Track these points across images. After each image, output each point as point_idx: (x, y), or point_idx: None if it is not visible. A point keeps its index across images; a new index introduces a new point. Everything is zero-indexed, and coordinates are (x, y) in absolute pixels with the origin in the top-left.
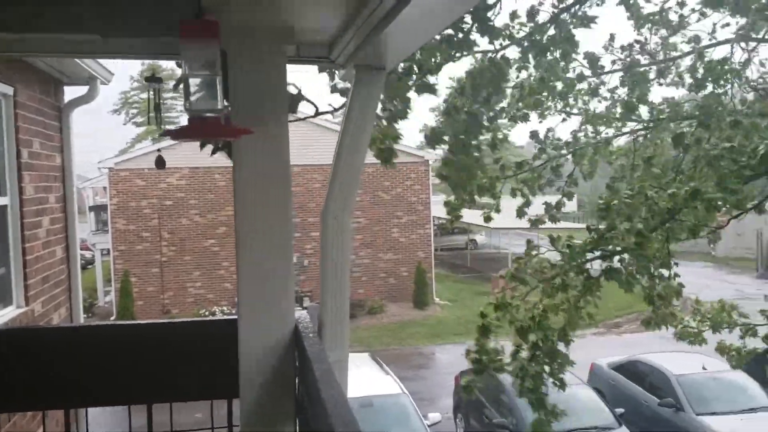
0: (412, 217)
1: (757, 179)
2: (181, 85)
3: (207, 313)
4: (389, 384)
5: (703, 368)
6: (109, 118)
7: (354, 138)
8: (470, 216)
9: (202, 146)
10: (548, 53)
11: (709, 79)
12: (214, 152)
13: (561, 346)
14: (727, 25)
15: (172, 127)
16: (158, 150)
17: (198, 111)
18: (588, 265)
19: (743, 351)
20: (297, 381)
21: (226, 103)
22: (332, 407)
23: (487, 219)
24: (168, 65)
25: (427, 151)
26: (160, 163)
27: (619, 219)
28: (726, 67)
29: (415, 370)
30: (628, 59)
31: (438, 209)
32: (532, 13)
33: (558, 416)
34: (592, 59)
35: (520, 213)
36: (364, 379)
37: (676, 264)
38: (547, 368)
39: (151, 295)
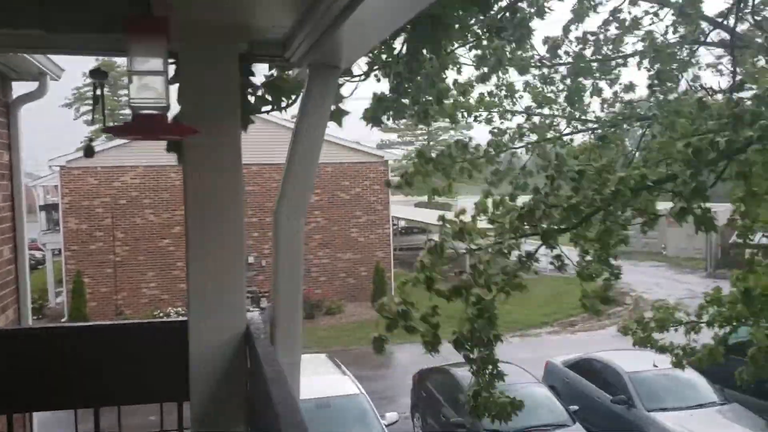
0: (371, 216)
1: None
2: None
3: (161, 314)
4: (347, 384)
5: (654, 365)
6: (63, 116)
7: (308, 138)
8: (429, 216)
9: (170, 148)
10: (503, 33)
11: (658, 65)
12: (169, 150)
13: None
14: (677, 28)
15: (115, 124)
16: (90, 140)
17: (142, 109)
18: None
19: (688, 349)
20: (248, 383)
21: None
22: (282, 410)
23: (435, 193)
24: (124, 61)
25: (386, 152)
26: (89, 151)
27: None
28: (673, 50)
29: (374, 370)
30: (582, 51)
31: (397, 209)
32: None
33: (503, 377)
34: (552, 44)
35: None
36: (322, 380)
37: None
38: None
39: (104, 296)
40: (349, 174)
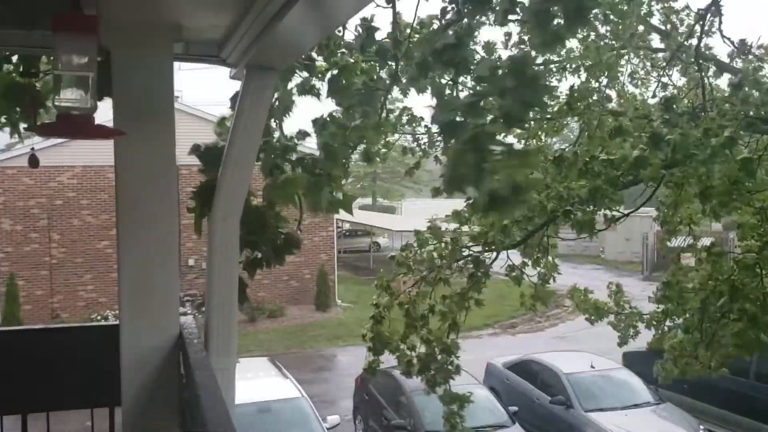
0: (315, 218)
1: (633, 185)
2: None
3: (99, 317)
4: (288, 388)
5: (592, 366)
6: None
7: (243, 139)
8: (374, 219)
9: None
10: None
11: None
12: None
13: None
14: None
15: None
16: (32, 148)
17: (67, 109)
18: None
19: (631, 332)
20: (182, 389)
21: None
22: (211, 416)
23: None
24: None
25: None
26: (33, 161)
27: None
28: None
29: (316, 373)
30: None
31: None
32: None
33: (463, 402)
34: (489, 46)
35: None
36: (263, 383)
37: (555, 246)
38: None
39: (39, 299)
40: None
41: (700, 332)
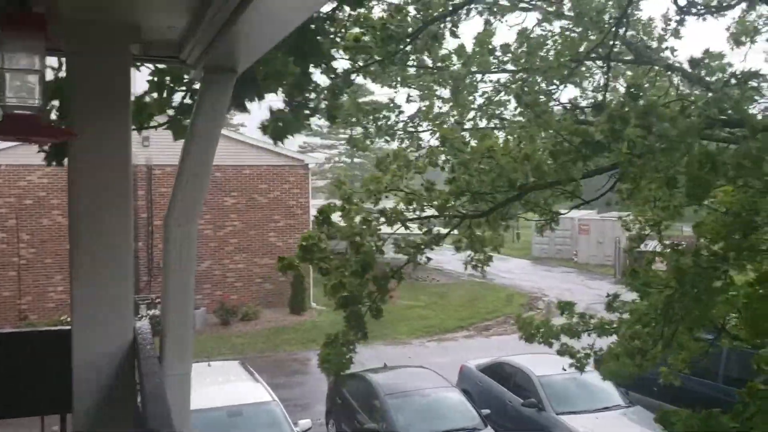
0: (290, 221)
1: (599, 173)
2: None
3: (69, 319)
4: (259, 392)
5: (564, 369)
6: None
7: (201, 142)
8: None
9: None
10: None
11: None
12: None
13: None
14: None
15: None
16: None
17: (14, 108)
18: None
19: (592, 352)
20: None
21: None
22: (156, 424)
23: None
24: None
25: (307, 155)
26: None
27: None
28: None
29: (290, 376)
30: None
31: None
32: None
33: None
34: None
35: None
36: (234, 387)
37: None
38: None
39: (6, 300)
40: (268, 177)
41: (661, 331)
